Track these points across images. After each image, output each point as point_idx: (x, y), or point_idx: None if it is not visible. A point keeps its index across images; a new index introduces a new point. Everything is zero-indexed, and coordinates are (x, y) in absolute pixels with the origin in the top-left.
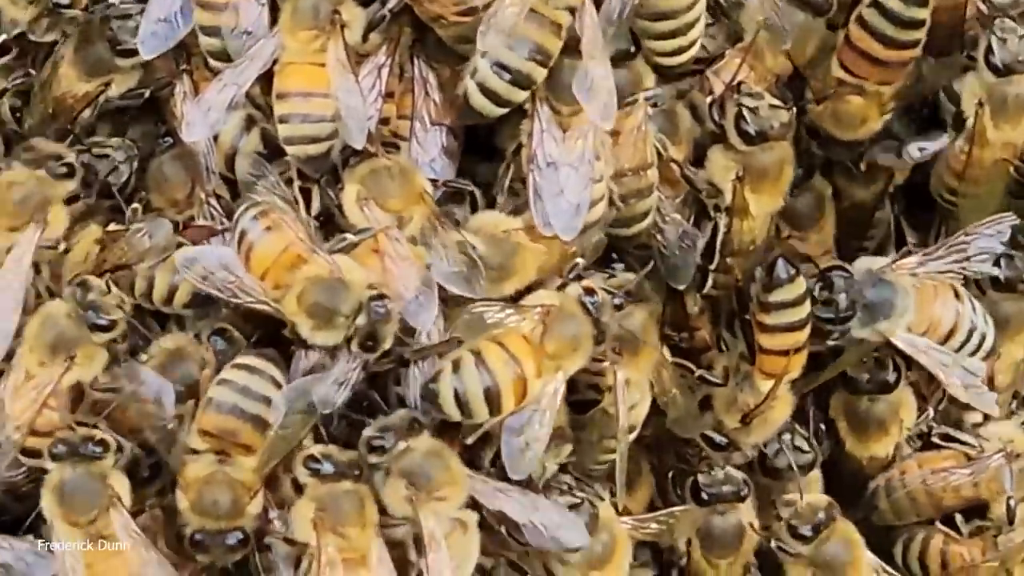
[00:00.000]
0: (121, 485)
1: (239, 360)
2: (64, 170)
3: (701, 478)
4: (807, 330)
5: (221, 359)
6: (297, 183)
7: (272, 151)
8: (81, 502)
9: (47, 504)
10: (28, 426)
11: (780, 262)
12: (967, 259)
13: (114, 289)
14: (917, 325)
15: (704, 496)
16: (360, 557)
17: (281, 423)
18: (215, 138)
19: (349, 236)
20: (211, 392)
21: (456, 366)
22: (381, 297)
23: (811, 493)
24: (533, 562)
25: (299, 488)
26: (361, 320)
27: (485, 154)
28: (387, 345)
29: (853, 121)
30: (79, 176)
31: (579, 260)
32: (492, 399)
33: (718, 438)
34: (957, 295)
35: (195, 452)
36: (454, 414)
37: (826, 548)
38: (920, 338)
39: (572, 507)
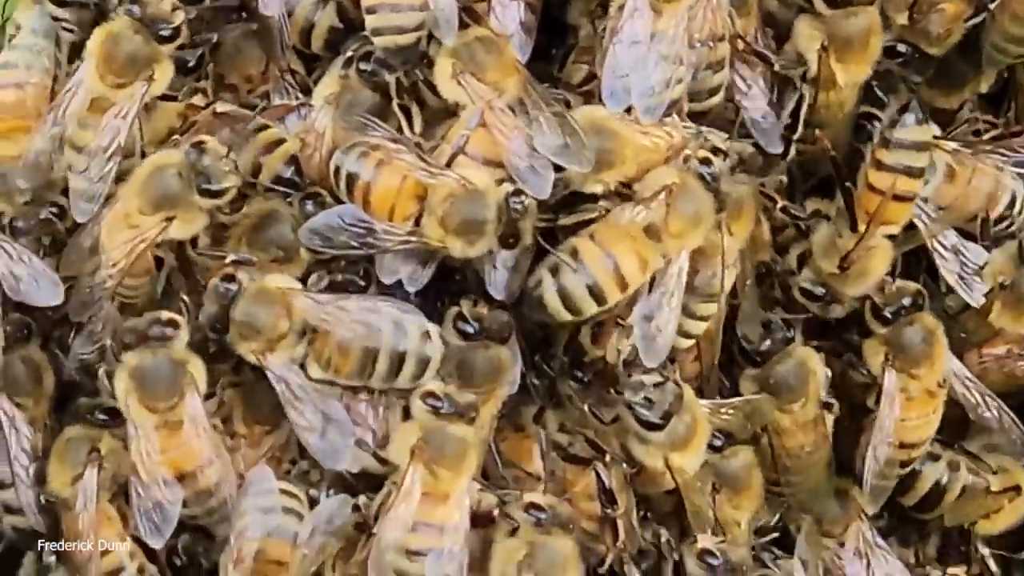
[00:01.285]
0: (197, 369)
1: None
2: (169, 32)
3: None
4: (919, 184)
5: None
6: (396, 101)
7: (348, 26)
8: (159, 388)
9: (121, 387)
10: (122, 272)
11: (915, 103)
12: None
13: (230, 155)
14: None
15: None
16: (443, 496)
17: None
18: (290, 13)
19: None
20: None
21: (555, 271)
22: (518, 193)
23: None
24: (611, 440)
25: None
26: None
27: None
28: (528, 240)
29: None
30: (184, 37)
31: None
32: (596, 294)
33: (817, 289)
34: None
35: None
36: (563, 315)
37: (905, 332)
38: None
39: (656, 385)
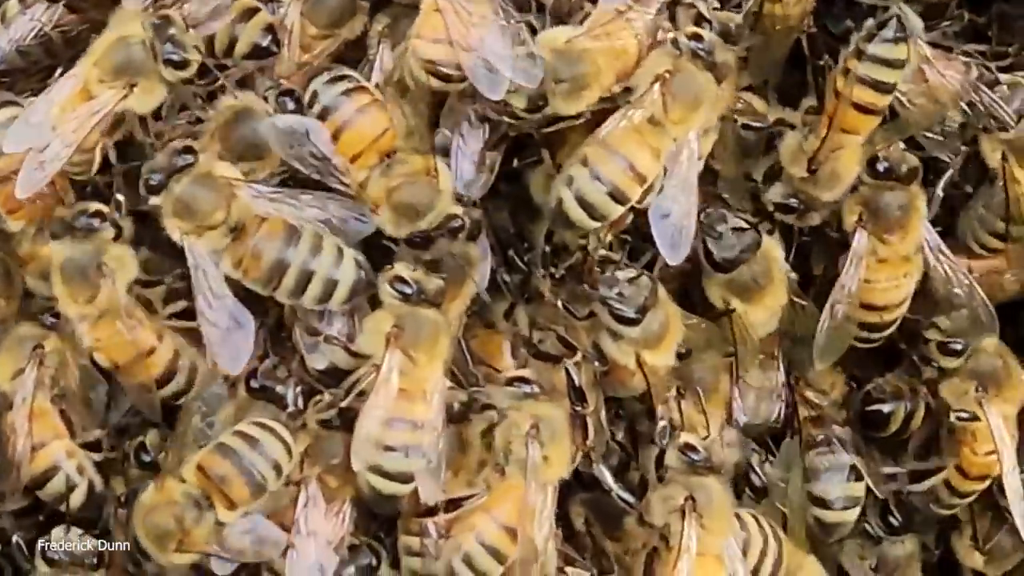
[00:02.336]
0: (122, 261)
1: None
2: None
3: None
4: (887, 99)
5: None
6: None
7: None
8: (82, 280)
9: (55, 284)
10: (76, 145)
11: (895, 20)
12: None
13: (192, 31)
14: None
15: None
16: (420, 392)
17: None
18: None
19: None
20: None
21: (570, 182)
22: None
23: None
24: (582, 338)
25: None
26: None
27: None
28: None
29: None
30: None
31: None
32: (618, 196)
33: (792, 201)
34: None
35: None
36: (588, 224)
37: (884, 196)
38: None
39: (631, 280)
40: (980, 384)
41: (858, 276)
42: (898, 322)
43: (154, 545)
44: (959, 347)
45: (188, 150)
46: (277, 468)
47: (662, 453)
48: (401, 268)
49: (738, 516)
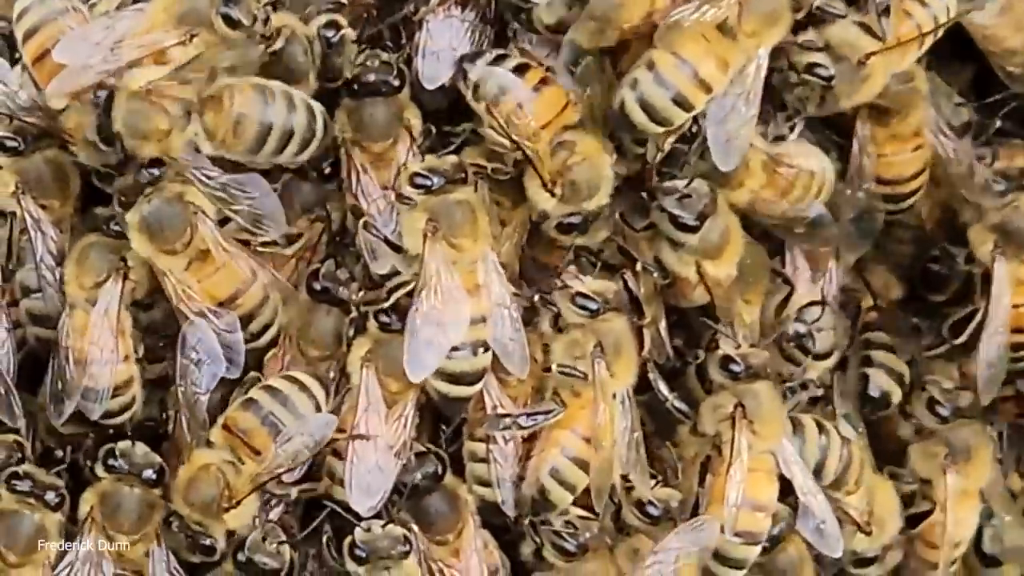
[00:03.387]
0: (196, 196)
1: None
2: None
3: None
4: None
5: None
6: None
7: None
8: (169, 231)
9: (138, 244)
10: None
11: None
12: None
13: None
14: None
15: None
16: (473, 283)
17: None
18: None
19: None
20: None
21: (634, 84)
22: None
23: None
24: (642, 249)
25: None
26: None
27: None
28: None
29: None
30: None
31: None
32: (681, 102)
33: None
34: None
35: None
36: (650, 127)
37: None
38: None
39: (682, 197)
40: None
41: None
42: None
43: (203, 516)
44: None
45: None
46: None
47: (703, 366)
48: (413, 165)
49: (796, 420)
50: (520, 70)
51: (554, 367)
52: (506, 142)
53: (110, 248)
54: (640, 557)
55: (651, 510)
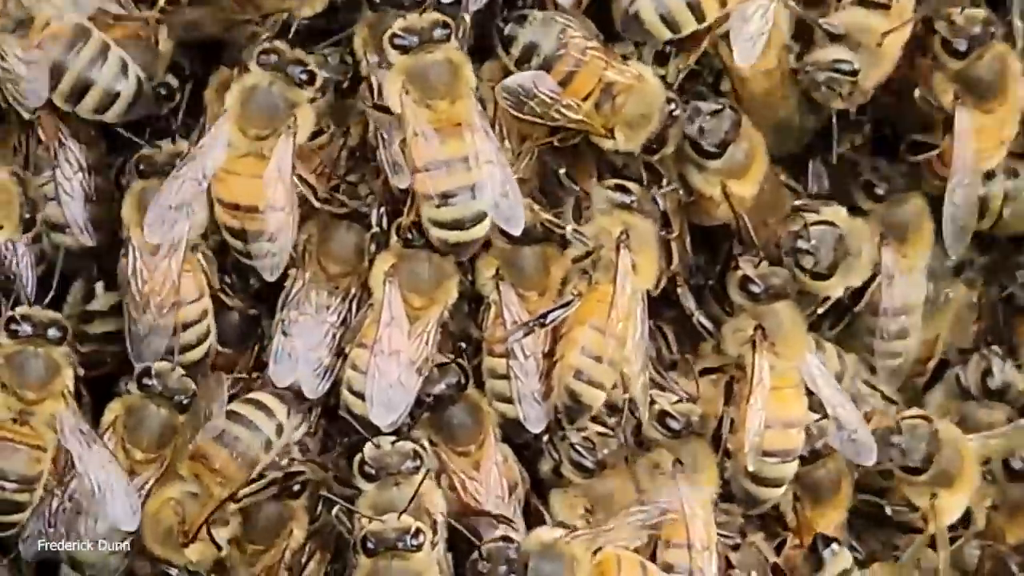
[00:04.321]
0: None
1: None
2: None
3: None
4: None
5: None
6: None
7: None
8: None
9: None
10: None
11: None
12: None
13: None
14: None
15: None
16: (457, 130)
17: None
18: None
19: None
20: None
21: None
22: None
23: None
24: (669, 166)
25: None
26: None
27: None
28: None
29: None
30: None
31: None
32: (695, 8)
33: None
34: None
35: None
36: (661, 31)
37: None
38: None
39: (713, 113)
40: None
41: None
42: None
43: (164, 550)
44: None
45: None
46: (268, 445)
47: (722, 287)
48: (394, 24)
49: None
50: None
51: (569, 229)
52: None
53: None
54: (661, 472)
55: (672, 424)
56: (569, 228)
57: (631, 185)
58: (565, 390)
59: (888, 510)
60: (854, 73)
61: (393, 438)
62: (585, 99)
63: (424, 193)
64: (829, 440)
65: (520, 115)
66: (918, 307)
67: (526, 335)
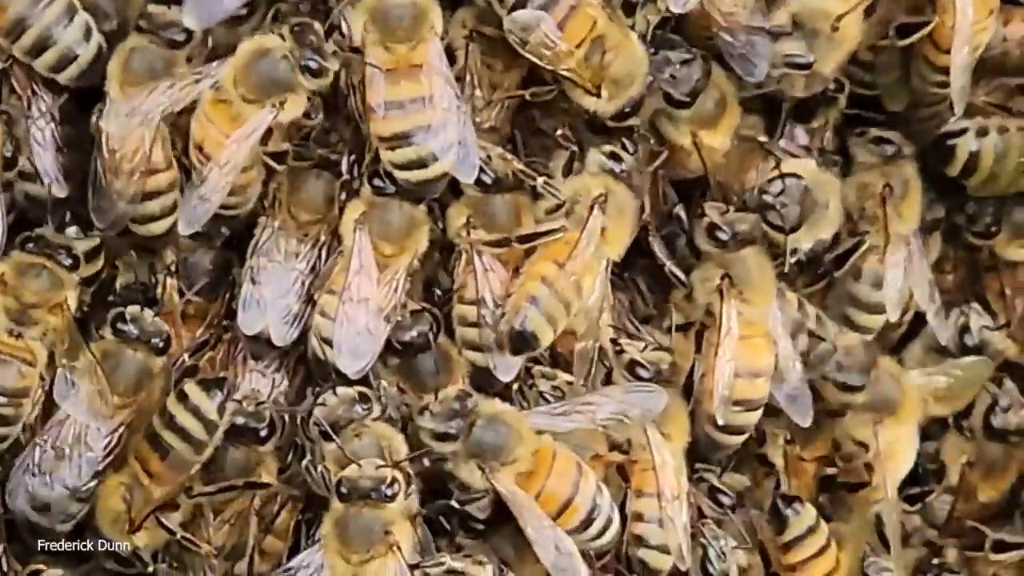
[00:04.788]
0: None
1: (187, 389)
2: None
3: None
4: None
5: None
6: None
7: None
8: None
9: None
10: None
11: None
12: None
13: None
14: None
15: None
16: (415, 72)
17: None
18: None
19: None
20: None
21: None
22: None
23: None
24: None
25: None
26: None
27: None
28: None
29: None
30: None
31: None
32: None
33: None
34: None
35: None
36: None
37: None
38: None
39: (683, 63)
40: None
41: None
42: None
43: (114, 533)
44: None
45: None
46: (201, 447)
47: (692, 236)
48: None
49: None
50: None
51: (540, 181)
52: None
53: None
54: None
55: (641, 372)
56: (540, 180)
57: (625, 156)
58: (517, 315)
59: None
60: (808, 66)
61: (334, 390)
62: (577, 47)
63: (378, 134)
64: (773, 392)
65: (522, 52)
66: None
67: (500, 247)
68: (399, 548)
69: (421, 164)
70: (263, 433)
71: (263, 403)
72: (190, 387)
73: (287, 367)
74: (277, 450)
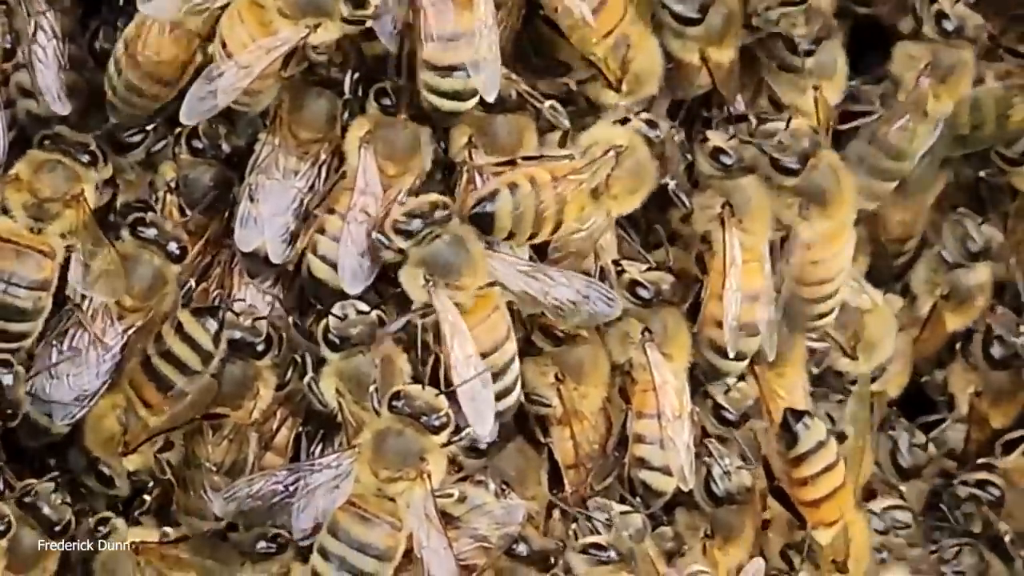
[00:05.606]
0: None
1: (183, 318)
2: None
3: None
4: None
5: None
6: None
7: None
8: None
9: None
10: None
11: None
12: None
13: None
14: None
15: None
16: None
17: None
18: None
19: None
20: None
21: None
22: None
23: None
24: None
25: None
26: None
27: None
28: None
29: None
30: None
31: None
32: None
33: None
34: None
35: None
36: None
37: None
38: None
39: None
40: None
41: None
42: None
43: (103, 452)
44: None
45: None
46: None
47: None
48: None
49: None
50: None
51: (546, 105)
52: None
53: None
54: (630, 341)
55: (642, 292)
56: (547, 104)
57: (663, 125)
58: (489, 193)
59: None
60: (803, 1)
61: (357, 307)
62: (606, 36)
63: (433, 63)
64: None
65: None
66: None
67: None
68: (429, 478)
69: (463, 96)
70: (260, 347)
71: (260, 318)
72: (184, 316)
73: (283, 285)
74: (275, 366)
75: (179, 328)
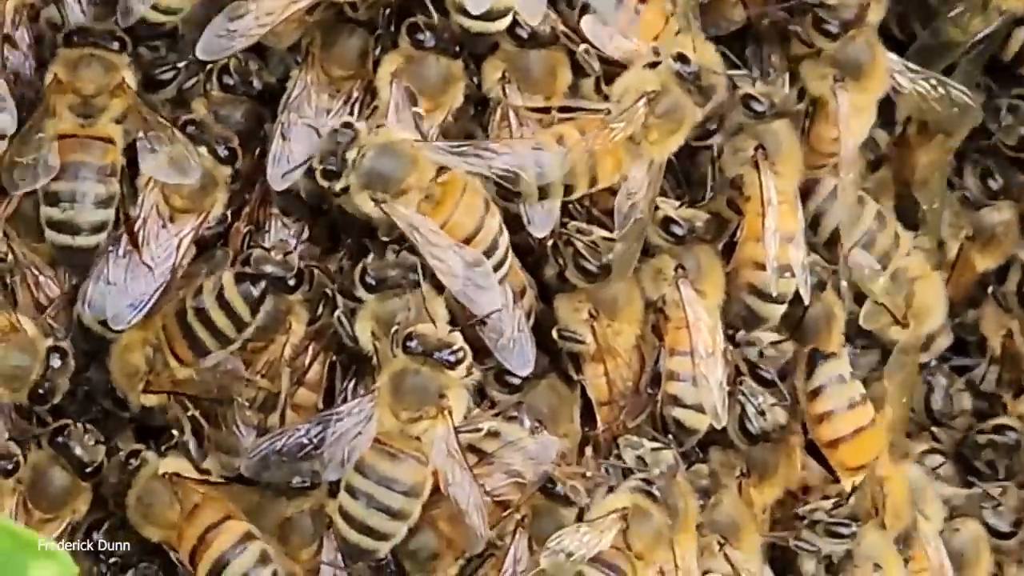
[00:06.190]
0: None
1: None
2: None
3: None
4: None
5: None
6: None
7: None
8: None
9: None
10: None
11: None
12: None
13: None
14: None
15: None
16: None
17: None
18: None
19: None
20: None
21: None
22: None
23: None
24: None
25: None
26: None
27: None
28: None
29: None
30: None
31: None
32: None
33: None
34: None
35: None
36: None
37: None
38: None
39: None
40: None
41: None
42: None
43: (124, 382)
44: None
45: None
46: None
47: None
48: None
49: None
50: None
51: (581, 48)
52: None
53: None
54: (663, 277)
55: (676, 229)
56: (582, 47)
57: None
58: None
59: None
60: None
61: (396, 248)
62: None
63: None
64: None
65: None
66: None
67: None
68: (450, 414)
69: (490, 16)
70: (291, 282)
71: (291, 252)
72: (227, 279)
73: (313, 221)
74: (306, 301)
75: (220, 294)
